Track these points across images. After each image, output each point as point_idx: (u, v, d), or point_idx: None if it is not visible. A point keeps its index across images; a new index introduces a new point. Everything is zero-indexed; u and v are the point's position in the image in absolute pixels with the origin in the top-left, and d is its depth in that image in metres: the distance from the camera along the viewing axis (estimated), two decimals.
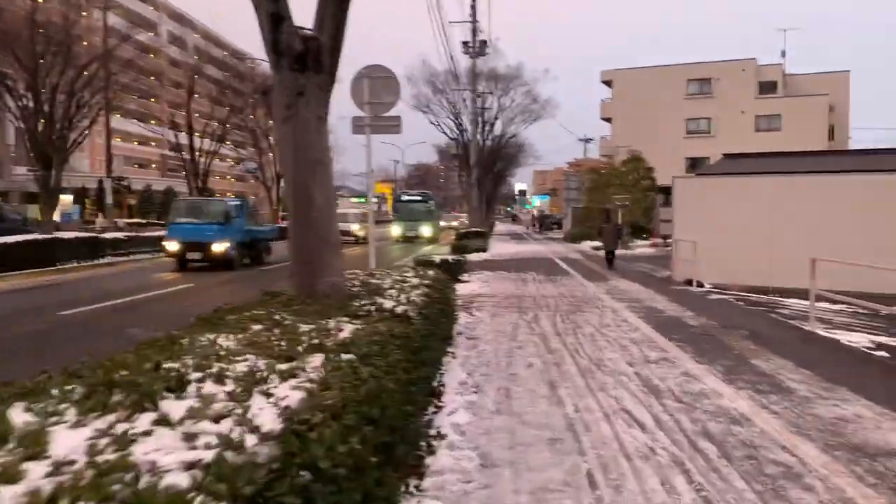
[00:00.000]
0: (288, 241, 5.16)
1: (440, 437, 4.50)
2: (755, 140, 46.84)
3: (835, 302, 12.85)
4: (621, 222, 30.85)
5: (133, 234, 25.72)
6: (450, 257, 15.49)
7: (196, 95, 33.34)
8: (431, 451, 4.25)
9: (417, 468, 3.97)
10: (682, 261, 16.01)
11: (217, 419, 2.12)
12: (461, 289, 13.78)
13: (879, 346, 8.82)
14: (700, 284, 14.92)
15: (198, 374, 2.61)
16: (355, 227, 35.31)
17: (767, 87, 52.73)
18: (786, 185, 15.69)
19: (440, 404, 5.34)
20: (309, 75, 4.92)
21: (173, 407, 2.22)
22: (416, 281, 6.17)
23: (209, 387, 2.47)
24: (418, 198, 42.57)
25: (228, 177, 77.56)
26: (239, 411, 2.19)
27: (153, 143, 63.06)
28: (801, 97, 50.43)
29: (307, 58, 4.89)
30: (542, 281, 15.75)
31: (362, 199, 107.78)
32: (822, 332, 9.26)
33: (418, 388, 4.27)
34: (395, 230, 39.68)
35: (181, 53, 37.34)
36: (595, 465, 4.10)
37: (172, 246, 19.57)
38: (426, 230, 39.38)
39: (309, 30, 4.96)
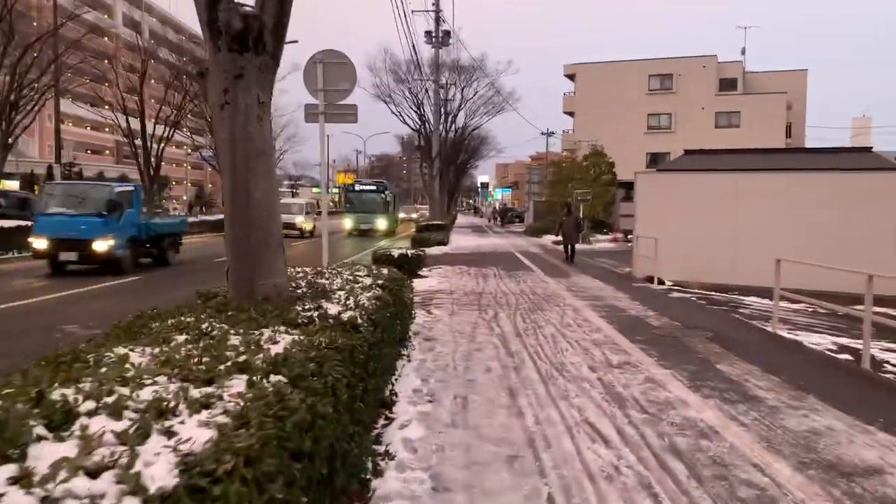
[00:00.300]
0: (224, 239, 4.71)
1: (389, 456, 4.13)
2: (715, 136, 47.30)
3: (795, 301, 12.83)
4: (582, 216, 30.79)
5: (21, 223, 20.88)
6: (409, 252, 15.09)
7: (150, 80, 32.21)
8: (378, 472, 3.87)
9: (362, 494, 3.59)
10: (642, 257, 15.88)
11: (95, 473, 1.71)
12: (420, 285, 13.41)
13: (842, 349, 8.71)
14: (661, 282, 14.79)
15: (90, 405, 2.19)
16: (300, 220, 33.46)
17: (727, 85, 53.34)
18: (748, 182, 15.66)
19: (391, 415, 4.97)
20: (249, 57, 4.47)
21: (46, 453, 1.80)
22: (368, 281, 5.76)
23: (99, 422, 2.05)
24: (372, 187, 38.87)
25: (185, 164, 75.82)
26: (125, 461, 1.78)
27: (107, 129, 61.14)
28: (760, 94, 51.11)
29: (247, 37, 4.44)
30: (502, 276, 15.46)
31: (321, 190, 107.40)
32: (784, 334, 9.12)
33: (366, 402, 3.89)
34: (348, 223, 36.82)
35: (135, 36, 35.98)
36: (556, 488, 3.77)
37: (40, 244, 15.55)
38: (381, 223, 36.77)
39: (250, 6, 4.50)
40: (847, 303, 11.65)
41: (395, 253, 14.88)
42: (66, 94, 41.08)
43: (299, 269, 6.45)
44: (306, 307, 4.31)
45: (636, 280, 15.50)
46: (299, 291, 5.01)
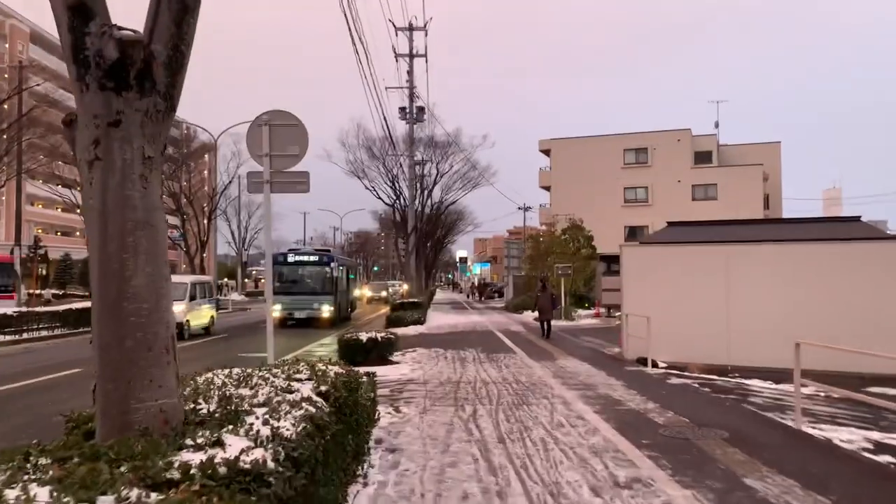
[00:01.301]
0: (91, 341, 3.41)
1: None
2: (692, 209, 47.09)
3: (804, 385, 11.62)
4: (564, 291, 29.72)
5: None
6: (379, 335, 13.76)
7: None
8: None
9: None
10: (633, 337, 14.67)
11: None
12: (390, 373, 12.05)
13: (879, 448, 7.44)
14: (654, 364, 13.54)
15: None
16: (179, 310, 19.40)
17: (702, 157, 53.57)
18: (740, 254, 14.66)
19: None
20: (130, 98, 3.29)
21: None
22: (306, 389, 4.45)
23: None
24: (312, 258, 28.36)
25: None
26: None
27: (78, 210, 59.63)
28: (736, 167, 51.30)
29: (127, 71, 3.27)
30: (482, 361, 14.12)
31: None
32: (810, 430, 7.85)
33: None
34: (276, 310, 22.95)
35: None
36: None
37: None
38: (326, 309, 26.86)
39: (132, 31, 3.35)
40: (858, 383, 10.53)
41: (364, 337, 13.55)
42: (33, 175, 39.86)
43: (219, 373, 5.11)
44: (198, 441, 3.00)
45: (627, 362, 14.23)
46: (203, 412, 3.69)
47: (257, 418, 3.56)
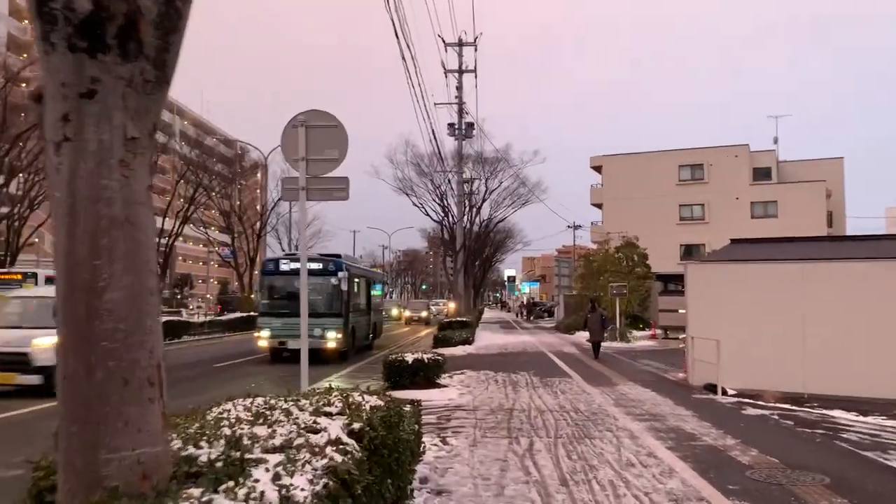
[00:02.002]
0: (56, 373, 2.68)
1: None
2: (751, 227, 45.14)
3: (890, 415, 10.41)
4: (619, 311, 28.53)
5: None
6: (425, 356, 12.96)
7: (158, 173, 31.14)
8: None
9: None
10: (699, 361, 13.57)
11: None
12: (436, 398, 11.25)
13: None
14: (724, 391, 12.42)
15: None
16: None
17: (761, 174, 51.61)
18: (819, 273, 13.44)
19: None
20: (108, 62, 2.60)
21: None
22: (335, 428, 3.69)
23: None
24: (311, 265, 18.71)
25: (212, 261, 75.07)
26: None
27: None
28: (798, 183, 49.23)
29: (104, 29, 2.58)
30: (535, 385, 13.19)
31: None
32: None
33: None
34: (263, 336, 19.34)
35: None
36: None
37: None
38: (330, 335, 19.04)
39: None
40: None
41: (410, 359, 12.76)
42: None
43: (238, 403, 4.38)
44: None
45: (694, 389, 13.12)
46: (201, 459, 2.95)
47: (267, 470, 2.80)
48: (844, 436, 8.55)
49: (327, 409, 4.32)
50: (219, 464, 2.94)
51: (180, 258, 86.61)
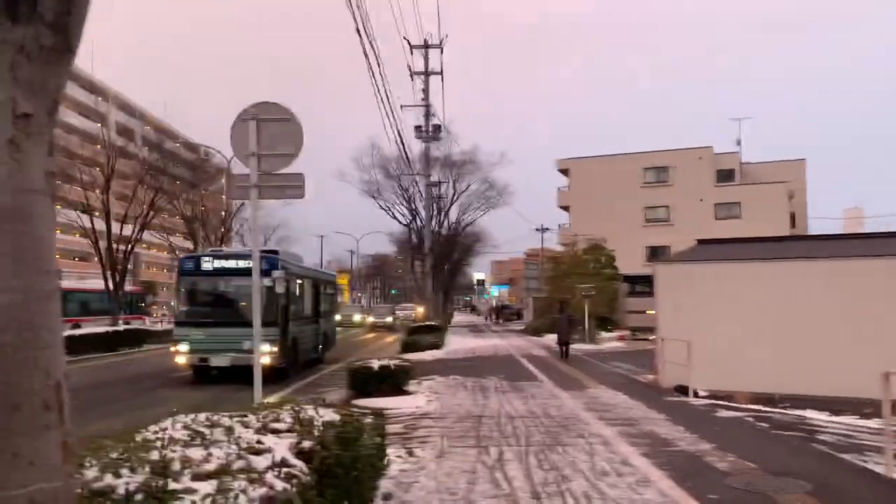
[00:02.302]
0: None
1: None
2: (715, 228, 45.47)
3: (863, 415, 10.29)
4: (588, 313, 28.42)
5: None
6: (393, 363, 12.56)
7: (115, 178, 29.95)
8: None
9: None
10: (669, 363, 13.37)
11: None
12: (404, 406, 10.87)
13: None
14: (696, 393, 12.24)
15: None
16: None
17: (725, 176, 52.12)
18: (790, 272, 13.35)
19: None
20: None
21: None
22: (284, 445, 3.28)
23: None
24: (239, 263, 16.29)
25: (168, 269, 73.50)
26: None
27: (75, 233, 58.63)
28: (761, 184, 49.82)
29: None
30: (505, 390, 12.86)
31: None
32: None
33: None
34: (181, 349, 15.86)
35: (100, 129, 33.71)
36: None
37: None
38: (264, 346, 13.69)
39: None
40: None
41: (376, 365, 12.35)
42: None
43: (178, 421, 3.94)
44: None
45: (665, 391, 12.92)
46: (118, 492, 2.53)
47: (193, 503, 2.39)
48: (820, 437, 8.37)
49: (276, 425, 3.92)
50: (138, 496, 2.53)
51: (144, 265, 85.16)
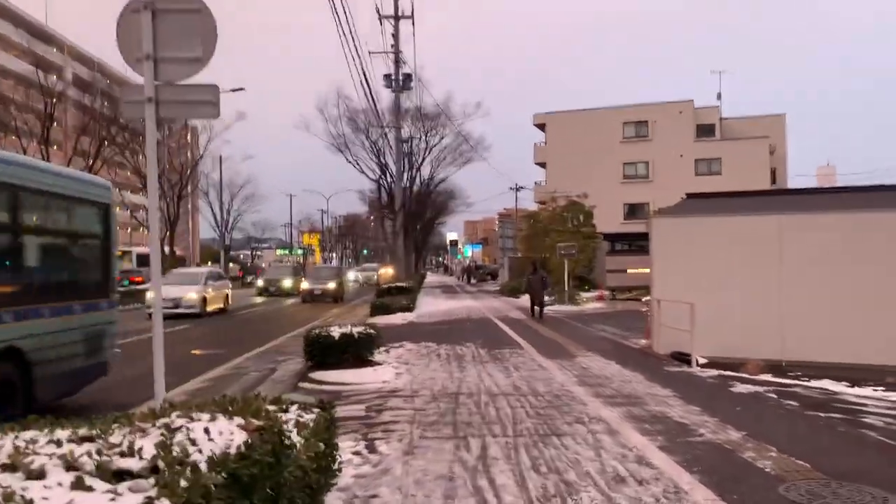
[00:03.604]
0: None
1: None
2: (695, 184, 44.09)
3: (888, 385, 9.03)
4: (568, 273, 27.07)
5: None
6: (356, 330, 10.99)
7: (56, 124, 27.44)
8: None
9: None
10: (666, 327, 12.01)
11: None
12: (368, 380, 9.39)
13: None
14: (698, 362, 10.90)
15: None
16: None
17: (705, 131, 50.86)
18: (798, 226, 11.97)
19: None
20: None
21: None
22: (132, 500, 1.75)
23: None
24: None
25: (143, 229, 70.52)
26: None
27: None
28: (742, 140, 48.66)
29: None
30: (484, 360, 11.40)
31: (286, 252, 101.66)
32: None
33: None
34: None
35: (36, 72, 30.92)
36: None
37: None
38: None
39: None
40: None
41: (336, 333, 10.77)
42: None
43: (55, 431, 2.37)
44: None
45: (663, 360, 11.57)
46: None
47: None
48: (866, 420, 6.99)
49: (124, 462, 2.33)
50: None
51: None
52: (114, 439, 2.55)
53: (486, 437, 6.22)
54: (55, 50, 61.58)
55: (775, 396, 8.22)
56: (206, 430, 2.74)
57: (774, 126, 52.65)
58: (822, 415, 7.18)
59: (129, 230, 68.32)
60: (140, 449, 2.41)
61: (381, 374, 10.01)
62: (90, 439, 2.55)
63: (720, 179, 45.42)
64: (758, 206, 14.93)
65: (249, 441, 2.79)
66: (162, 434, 2.61)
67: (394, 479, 5.01)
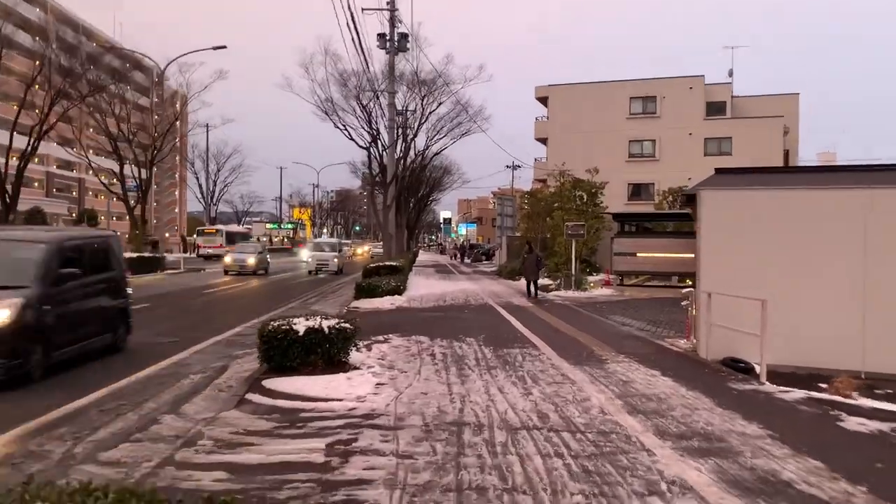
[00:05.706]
0: None
1: None
2: (704, 165, 41.55)
3: None
4: (576, 255, 24.65)
5: None
6: (326, 324, 8.49)
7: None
8: None
9: None
10: (717, 327, 9.59)
11: None
12: (338, 395, 6.96)
13: None
14: (753, 371, 8.48)
15: None
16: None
17: (715, 109, 48.20)
18: (890, 206, 9.54)
19: None
20: None
21: None
22: None
23: None
24: None
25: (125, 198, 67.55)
26: None
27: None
28: (755, 118, 46.06)
29: None
30: (490, 365, 8.95)
31: (274, 226, 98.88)
32: None
33: None
34: None
35: None
36: None
37: None
38: None
39: None
40: None
41: (301, 328, 8.28)
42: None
43: None
44: None
45: (715, 369, 9.14)
46: None
47: None
48: None
49: None
50: None
51: (91, 193, 78.99)
52: None
53: None
54: None
55: None
56: None
57: (787, 105, 50.09)
58: None
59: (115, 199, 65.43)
60: None
61: (357, 385, 7.53)
62: None
63: (730, 160, 42.77)
64: (793, 181, 12.41)
65: None
66: None
67: None
